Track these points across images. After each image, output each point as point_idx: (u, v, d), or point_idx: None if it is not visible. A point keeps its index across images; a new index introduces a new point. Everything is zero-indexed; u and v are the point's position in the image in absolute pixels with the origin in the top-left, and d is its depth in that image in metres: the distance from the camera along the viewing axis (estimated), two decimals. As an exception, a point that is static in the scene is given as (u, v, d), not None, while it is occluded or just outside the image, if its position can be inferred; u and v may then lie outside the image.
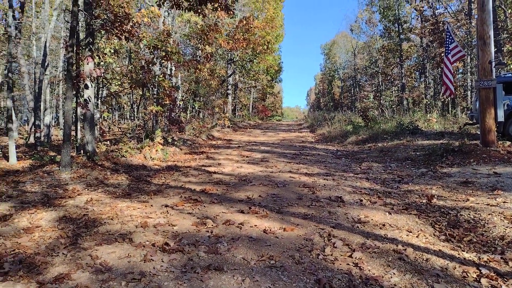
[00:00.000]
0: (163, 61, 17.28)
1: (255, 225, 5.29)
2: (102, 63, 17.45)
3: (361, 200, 6.72)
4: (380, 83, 47.16)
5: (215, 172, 10.10)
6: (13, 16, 13.97)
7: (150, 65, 16.68)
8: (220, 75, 31.41)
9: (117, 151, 12.41)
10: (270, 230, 5.07)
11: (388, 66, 41.36)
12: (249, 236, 4.85)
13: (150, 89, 18.35)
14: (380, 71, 44.92)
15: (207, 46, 21.22)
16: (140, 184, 8.63)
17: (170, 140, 15.76)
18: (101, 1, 12.80)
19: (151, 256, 4.16)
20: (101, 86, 20.63)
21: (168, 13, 21.64)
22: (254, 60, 30.71)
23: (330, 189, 7.72)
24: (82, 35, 16.25)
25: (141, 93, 19.08)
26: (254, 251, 4.32)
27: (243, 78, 41.00)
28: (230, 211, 6.11)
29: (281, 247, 4.47)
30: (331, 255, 4.22)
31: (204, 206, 6.42)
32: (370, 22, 45.76)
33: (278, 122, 53.93)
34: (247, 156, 13.47)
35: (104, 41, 17.71)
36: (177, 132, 19.14)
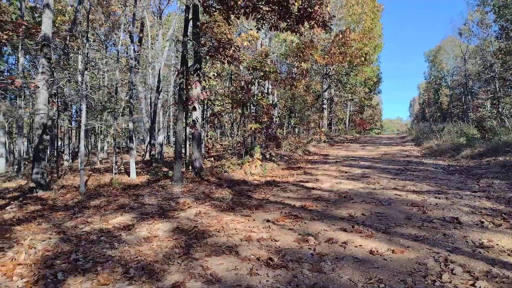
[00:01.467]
0: (261, 80, 18.00)
1: (360, 245, 5.07)
2: (207, 86, 18.87)
3: (482, 222, 5.97)
4: (498, 90, 41.78)
5: (313, 188, 10.02)
6: (134, 49, 16.09)
7: (249, 85, 17.50)
8: (316, 90, 31.37)
9: (220, 167, 13.21)
10: (377, 251, 4.81)
11: (507, 70, 36.48)
12: (354, 256, 4.67)
13: (249, 107, 19.19)
14: (497, 76, 39.87)
15: (302, 63, 21.47)
16: (242, 198, 8.99)
17: (268, 156, 16.18)
18: (207, 30, 13.99)
19: (256, 270, 4.27)
20: (205, 107, 22.27)
21: (266, 35, 22.56)
22: (351, 73, 30.00)
23: (443, 208, 7.03)
24: (190, 62, 17.89)
25: (240, 111, 20.08)
26: (361, 273, 4.14)
27: (339, 92, 40.26)
28: (332, 228, 5.98)
29: (390, 270, 4.20)
30: (450, 282, 3.82)
31: (305, 223, 6.39)
32: (483, 23, 41.20)
33: (377, 136, 51.40)
34: (346, 172, 13.09)
35: (208, 66, 19.21)
36: (274, 148, 19.57)
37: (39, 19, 24.18)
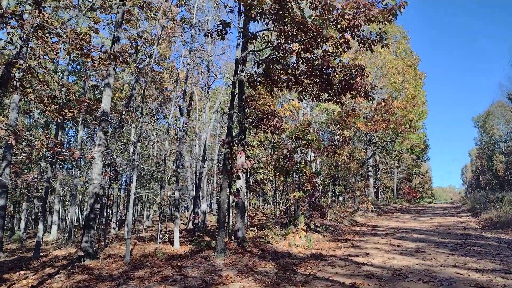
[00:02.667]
0: (304, 148, 18.09)
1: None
2: (250, 154, 19.24)
3: None
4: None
5: (363, 264, 9.36)
6: (183, 122, 17.09)
7: (292, 153, 17.60)
8: (360, 157, 30.86)
9: (263, 237, 12.86)
10: None
11: None
12: None
13: (292, 176, 19.10)
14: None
15: (345, 130, 21.50)
16: (287, 273, 8.54)
17: (312, 226, 15.61)
18: (251, 102, 14.65)
19: None
20: (248, 176, 22.47)
21: (307, 104, 23.16)
22: (396, 140, 29.45)
23: (516, 292, 6.21)
24: (234, 132, 18.56)
25: (283, 180, 19.98)
26: None
27: (384, 159, 39.29)
28: (388, 312, 5.41)
29: None
30: None
31: (357, 304, 5.86)
32: (534, 86, 39.73)
33: (429, 205, 48.47)
34: (398, 246, 12.21)
35: (252, 135, 19.76)
36: (319, 218, 18.92)
37: (99, 96, 26.77)
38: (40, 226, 16.32)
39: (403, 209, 35.52)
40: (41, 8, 6.84)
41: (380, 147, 32.35)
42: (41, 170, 27.80)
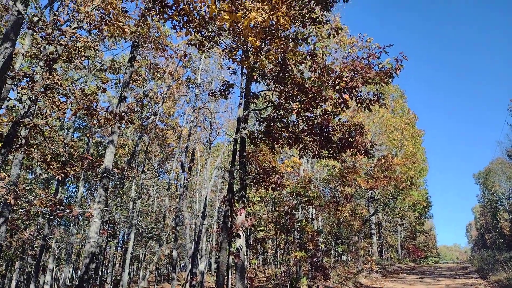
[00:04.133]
0: (305, 205, 17.88)
1: None
2: (251, 211, 18.97)
3: None
4: None
5: (371, 331, 8.80)
6: (184, 178, 17.12)
7: (293, 211, 17.36)
8: (362, 214, 30.35)
9: (264, 301, 12.24)
10: None
11: None
12: None
13: (293, 234, 18.67)
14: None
15: (346, 187, 21.38)
16: None
17: (316, 289, 14.92)
18: (252, 158, 14.77)
19: None
20: (249, 233, 21.97)
21: (308, 160, 23.30)
22: (398, 197, 29.17)
23: None
24: (235, 188, 18.46)
25: (284, 238, 19.49)
26: None
27: (387, 216, 38.61)
28: None
29: None
30: None
31: None
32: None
33: (435, 265, 46.71)
34: (406, 310, 11.58)
35: (252, 191, 19.64)
36: (322, 280, 18.15)
37: (102, 152, 27.05)
38: (32, 286, 15.64)
39: (408, 269, 34.18)
40: (52, 70, 7.16)
41: (382, 204, 31.96)
42: (38, 226, 27.25)
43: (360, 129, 10.71)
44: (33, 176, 29.85)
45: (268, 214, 22.55)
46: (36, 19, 7.38)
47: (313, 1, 8.81)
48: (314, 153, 12.88)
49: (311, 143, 12.62)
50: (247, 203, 14.63)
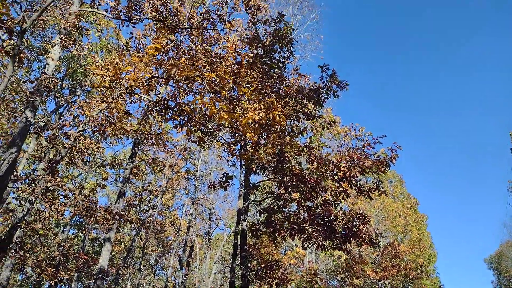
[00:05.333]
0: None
1: None
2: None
3: None
4: None
5: None
6: (182, 275, 16.24)
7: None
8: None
9: None
10: None
11: None
12: None
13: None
14: None
15: (354, 279, 20.25)
16: None
17: None
18: (254, 251, 14.22)
19: None
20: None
21: (312, 250, 22.41)
22: (409, 287, 27.43)
23: None
24: (237, 283, 17.39)
25: None
26: None
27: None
28: None
29: None
30: None
31: None
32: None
33: None
34: None
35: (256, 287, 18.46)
36: None
37: (98, 249, 26.06)
38: None
39: None
40: (54, 172, 7.27)
41: (394, 295, 29.85)
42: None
43: (363, 218, 10.55)
44: (23, 277, 28.28)
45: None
46: (42, 124, 7.72)
47: (306, 98, 9.36)
48: (317, 244, 12.44)
49: (314, 233, 12.27)
50: (249, 301, 13.68)
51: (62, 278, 7.45)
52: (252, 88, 8.11)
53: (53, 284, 11.95)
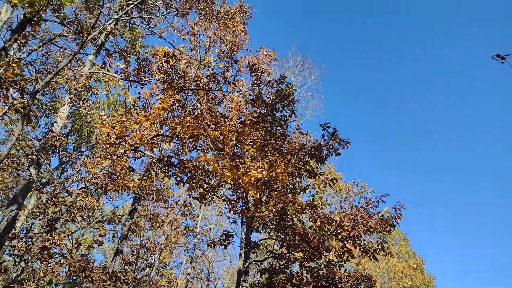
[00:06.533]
0: None
1: None
2: None
3: None
4: None
5: None
6: None
7: None
8: None
9: None
10: None
11: None
12: None
13: None
14: None
15: None
16: None
17: None
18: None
19: None
20: None
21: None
22: None
23: None
24: None
25: None
26: None
27: None
28: None
29: None
30: None
31: None
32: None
33: None
34: None
35: None
36: None
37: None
38: None
39: None
40: (52, 230, 7.14)
41: None
42: None
43: (369, 280, 10.14)
44: None
45: None
46: (45, 180, 7.72)
47: (307, 155, 9.45)
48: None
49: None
50: None
51: None
52: (255, 146, 8.22)
53: None
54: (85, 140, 14.33)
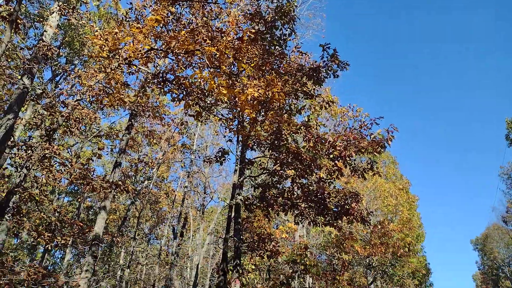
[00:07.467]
0: (301, 274, 17.23)
1: None
2: (245, 281, 18.19)
3: None
4: None
5: None
6: (176, 245, 16.60)
7: (289, 280, 16.70)
8: (360, 283, 29.12)
9: None
10: None
11: None
12: None
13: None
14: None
15: (343, 254, 20.82)
16: None
17: None
18: (247, 224, 14.51)
19: None
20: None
21: (303, 225, 22.88)
22: (396, 264, 28.30)
23: None
24: (229, 254, 17.85)
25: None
26: None
27: (386, 284, 37.03)
28: None
29: None
30: None
31: None
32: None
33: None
34: None
35: (247, 259, 18.97)
36: None
37: (93, 216, 26.39)
38: None
39: None
40: (51, 140, 7.29)
41: (380, 272, 30.82)
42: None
43: (356, 196, 10.76)
44: (18, 241, 28.73)
45: (263, 283, 21.59)
46: (39, 91, 7.68)
47: (305, 77, 9.33)
48: (310, 220, 12.72)
49: (306, 209, 12.53)
50: (241, 272, 14.10)
51: (58, 242, 7.62)
52: (252, 65, 8.07)
53: (49, 248, 12.22)
54: (77, 54, 13.92)
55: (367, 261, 29.08)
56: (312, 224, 12.88)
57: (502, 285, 61.99)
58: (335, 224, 12.22)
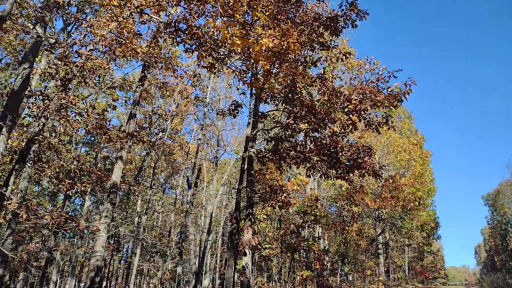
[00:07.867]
0: (312, 224, 17.78)
1: None
2: (257, 230, 18.91)
3: None
4: None
5: None
6: (190, 194, 17.16)
7: (299, 229, 17.26)
8: (369, 234, 29.99)
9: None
10: None
11: None
12: None
13: (300, 252, 18.52)
14: None
15: (353, 206, 21.25)
16: None
17: (322, 311, 14.72)
18: (259, 176, 14.80)
19: None
20: (254, 251, 21.81)
21: (314, 178, 23.24)
22: (405, 217, 28.90)
23: None
24: (242, 205, 18.43)
25: (290, 256, 19.31)
26: None
27: (394, 236, 38.06)
28: None
29: None
30: None
31: None
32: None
33: (443, 287, 45.76)
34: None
35: (259, 209, 19.58)
36: (328, 300, 17.89)
37: (109, 166, 27.22)
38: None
39: (416, 291, 33.49)
40: (67, 90, 7.35)
41: (389, 224, 31.59)
42: (43, 238, 27.32)
43: (369, 150, 10.74)
44: (39, 188, 30.10)
45: (274, 232, 22.40)
46: (52, 41, 7.62)
47: (322, 26, 8.97)
48: (322, 173, 12.87)
49: (319, 163, 12.63)
50: (253, 221, 14.60)
51: (78, 189, 7.95)
52: (267, 13, 7.76)
53: (69, 194, 12.77)
54: (88, 2, 13.56)
55: (377, 213, 29.72)
56: (324, 177, 13.05)
57: (510, 239, 63.09)
58: (346, 177, 12.35)
